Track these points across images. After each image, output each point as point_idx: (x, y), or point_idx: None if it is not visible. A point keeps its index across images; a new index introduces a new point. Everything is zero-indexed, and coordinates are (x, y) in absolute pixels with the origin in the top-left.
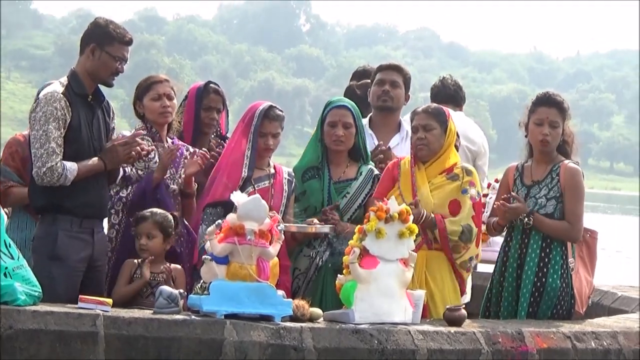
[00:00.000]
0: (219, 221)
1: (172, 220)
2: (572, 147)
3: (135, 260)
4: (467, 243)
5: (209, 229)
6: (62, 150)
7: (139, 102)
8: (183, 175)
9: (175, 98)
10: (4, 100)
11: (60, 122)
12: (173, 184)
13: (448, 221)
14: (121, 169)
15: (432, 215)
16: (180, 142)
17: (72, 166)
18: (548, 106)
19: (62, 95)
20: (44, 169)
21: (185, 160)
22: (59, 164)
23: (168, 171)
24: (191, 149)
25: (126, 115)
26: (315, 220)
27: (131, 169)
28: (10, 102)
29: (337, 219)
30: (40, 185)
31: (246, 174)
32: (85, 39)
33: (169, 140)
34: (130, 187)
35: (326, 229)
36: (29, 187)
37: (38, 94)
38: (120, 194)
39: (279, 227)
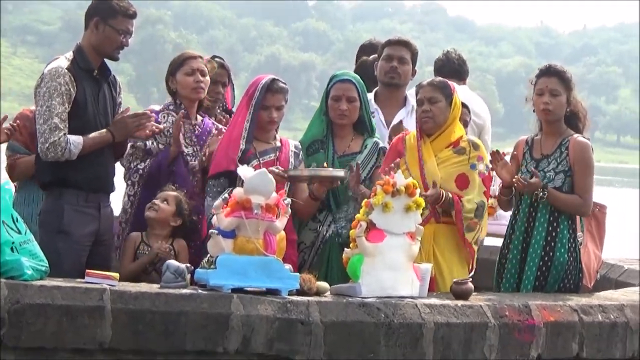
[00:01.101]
0: (225, 195)
1: (189, 207)
2: (585, 122)
3: (139, 234)
4: (480, 219)
5: (216, 202)
6: (67, 125)
7: (172, 78)
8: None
9: (207, 75)
10: (10, 75)
11: (65, 97)
12: (194, 161)
13: (465, 200)
14: (142, 142)
15: (450, 195)
16: (211, 121)
17: (76, 140)
18: (548, 76)
19: (66, 71)
20: (47, 145)
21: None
22: (62, 139)
23: (191, 148)
24: (221, 127)
25: (132, 90)
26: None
27: (152, 143)
28: (17, 78)
29: (359, 174)
30: (46, 160)
31: (243, 147)
32: (89, 13)
33: (199, 118)
34: (148, 160)
35: (340, 172)
36: (35, 163)
37: (44, 69)
38: (138, 166)
39: (286, 201)
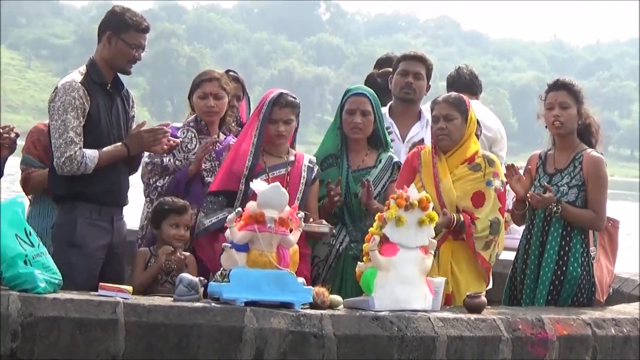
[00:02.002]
0: (239, 209)
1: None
2: (598, 137)
3: (148, 249)
4: (495, 236)
5: (229, 216)
6: (82, 139)
7: (192, 96)
8: None
9: (225, 97)
10: (24, 89)
11: (79, 111)
12: (210, 177)
13: (478, 222)
14: (159, 158)
15: (462, 219)
16: (232, 138)
17: (92, 154)
18: (556, 89)
19: (80, 85)
20: (63, 159)
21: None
22: (77, 153)
23: (209, 163)
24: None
25: (146, 103)
26: (324, 222)
27: (169, 160)
28: (31, 91)
29: (339, 192)
30: (61, 175)
31: (249, 163)
32: (102, 27)
33: (222, 136)
34: (167, 177)
35: (326, 228)
36: (49, 177)
37: (58, 83)
38: (157, 183)
39: (299, 215)
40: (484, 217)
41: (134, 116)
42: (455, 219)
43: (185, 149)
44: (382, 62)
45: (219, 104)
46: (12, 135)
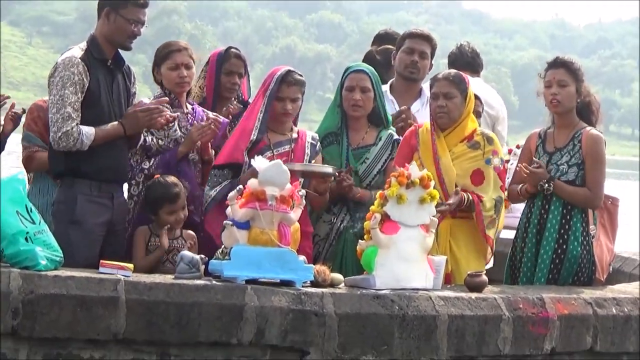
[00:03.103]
0: (240, 186)
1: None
2: (598, 115)
3: (147, 228)
4: (498, 215)
5: (230, 194)
6: (80, 115)
7: (157, 69)
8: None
9: (194, 67)
10: (25, 66)
11: (78, 86)
12: (193, 152)
13: (486, 200)
14: (142, 137)
15: (471, 198)
16: (200, 108)
17: (89, 131)
18: (555, 67)
19: (79, 60)
20: (60, 134)
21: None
22: (74, 129)
23: (181, 133)
24: (211, 115)
25: (147, 81)
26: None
27: (152, 139)
28: (32, 68)
29: (351, 181)
30: (57, 150)
31: (255, 137)
32: (101, 4)
33: (189, 107)
34: (153, 159)
35: (329, 169)
36: (49, 153)
37: (58, 59)
38: (142, 165)
39: (300, 193)
40: (489, 197)
41: (135, 92)
42: (466, 199)
43: (166, 126)
44: (381, 38)
45: (189, 73)
46: (19, 111)
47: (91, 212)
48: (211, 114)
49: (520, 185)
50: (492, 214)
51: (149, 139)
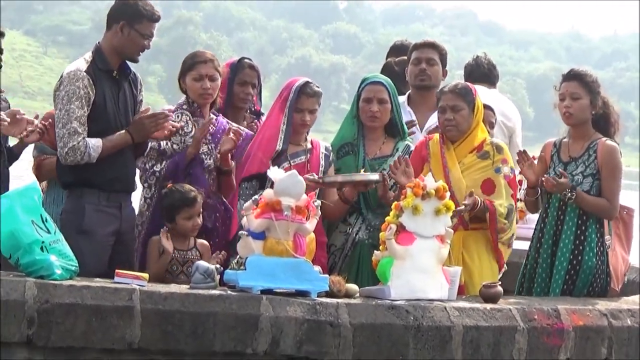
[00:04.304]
0: (256, 197)
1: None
2: (616, 127)
3: (159, 237)
4: (511, 223)
5: (246, 204)
6: (86, 129)
7: (183, 79)
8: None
9: (219, 79)
10: (41, 75)
11: (84, 100)
12: (209, 159)
13: (497, 204)
14: (156, 142)
15: (485, 202)
16: (224, 120)
17: (96, 143)
18: (568, 80)
19: (85, 74)
20: (66, 149)
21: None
22: (81, 143)
23: (206, 146)
24: (234, 126)
25: (163, 91)
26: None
27: (166, 144)
28: (48, 78)
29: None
30: (65, 164)
31: (280, 147)
32: (115, 16)
33: (213, 117)
34: (164, 162)
35: (375, 175)
36: (56, 164)
37: (63, 72)
38: (155, 168)
39: (316, 203)
40: (501, 203)
41: (142, 100)
42: (479, 202)
43: (182, 132)
44: (397, 49)
45: (213, 85)
46: (46, 123)
47: (99, 221)
48: (234, 126)
49: (525, 188)
50: (505, 221)
51: (163, 143)
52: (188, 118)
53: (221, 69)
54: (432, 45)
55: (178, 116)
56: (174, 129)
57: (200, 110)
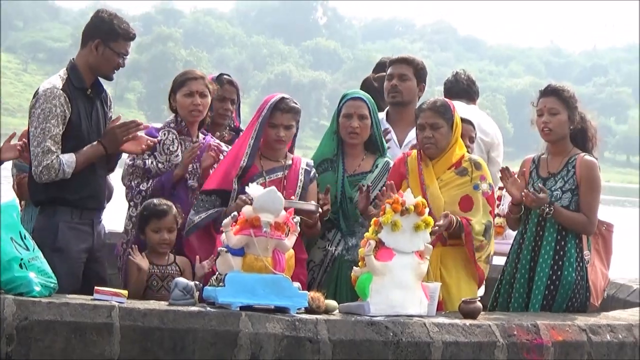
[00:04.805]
0: (234, 213)
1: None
2: (594, 141)
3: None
4: (489, 239)
5: (225, 220)
6: (60, 147)
7: (173, 96)
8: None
9: (209, 96)
10: (20, 92)
11: (60, 118)
12: (193, 180)
13: (474, 222)
14: (141, 161)
15: (461, 222)
16: (212, 138)
17: (69, 159)
18: (546, 96)
19: (61, 92)
20: (40, 168)
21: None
22: (54, 161)
23: (191, 165)
24: (213, 143)
25: (143, 107)
26: (313, 202)
27: (152, 162)
28: (28, 94)
29: (327, 201)
30: (40, 182)
31: (244, 164)
32: (90, 33)
33: (201, 136)
34: (150, 181)
35: (311, 206)
36: (28, 182)
37: (38, 88)
38: (141, 187)
39: (295, 220)
40: (478, 220)
41: (111, 117)
42: (455, 222)
43: (167, 150)
44: (381, 66)
45: (204, 102)
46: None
47: (73, 239)
48: (216, 142)
49: (508, 204)
50: (482, 238)
51: (148, 161)
52: (174, 136)
53: (212, 87)
54: (405, 61)
55: (164, 134)
56: (152, 144)
57: (188, 129)
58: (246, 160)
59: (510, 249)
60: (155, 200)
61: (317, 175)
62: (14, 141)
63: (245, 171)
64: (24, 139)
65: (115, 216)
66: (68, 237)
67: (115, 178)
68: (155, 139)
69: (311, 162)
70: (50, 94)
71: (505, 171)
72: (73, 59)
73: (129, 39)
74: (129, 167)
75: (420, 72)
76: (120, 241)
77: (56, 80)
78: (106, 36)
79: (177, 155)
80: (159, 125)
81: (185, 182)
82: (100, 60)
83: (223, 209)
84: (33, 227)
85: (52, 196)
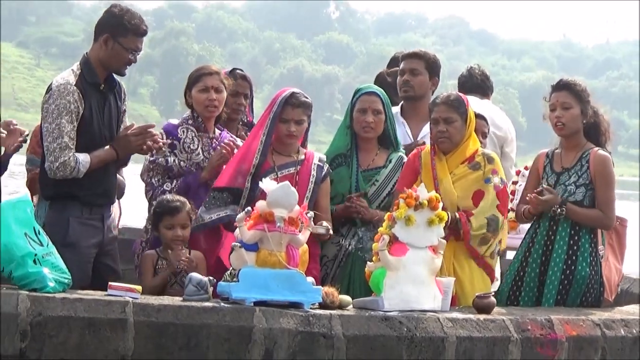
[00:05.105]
0: (248, 208)
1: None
2: (607, 135)
3: (155, 251)
4: (495, 233)
5: (239, 215)
6: (75, 143)
7: (189, 92)
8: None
9: (224, 91)
10: (33, 87)
11: (74, 115)
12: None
13: (473, 218)
14: (163, 159)
15: (458, 217)
16: (229, 134)
17: (84, 158)
18: (558, 90)
19: (75, 88)
20: (57, 164)
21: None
22: (71, 158)
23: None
24: (239, 142)
25: (155, 102)
26: (324, 223)
27: (173, 160)
28: (41, 89)
29: (365, 205)
30: (54, 178)
31: (257, 161)
32: (100, 28)
33: (217, 132)
34: (175, 181)
35: (322, 230)
36: (39, 177)
37: (51, 83)
38: (165, 186)
39: (309, 215)
40: (479, 214)
41: (125, 110)
42: (451, 217)
43: (188, 149)
44: (393, 62)
45: (219, 97)
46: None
47: (83, 233)
48: (231, 138)
49: (524, 207)
50: (483, 232)
51: (170, 159)
52: (194, 134)
53: (227, 82)
54: (417, 55)
55: (183, 132)
56: (165, 144)
57: (205, 125)
58: (258, 157)
59: (522, 242)
60: (169, 197)
61: (330, 171)
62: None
63: (257, 168)
64: (37, 134)
65: (130, 211)
66: (79, 233)
67: (126, 171)
68: (167, 141)
69: (324, 158)
70: (64, 90)
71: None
72: (86, 53)
73: (140, 35)
74: (150, 164)
75: (432, 66)
76: (139, 239)
77: (69, 75)
78: (115, 31)
79: (198, 154)
80: (175, 121)
81: (206, 183)
82: (110, 55)
83: (234, 215)
84: (43, 222)
85: (62, 191)
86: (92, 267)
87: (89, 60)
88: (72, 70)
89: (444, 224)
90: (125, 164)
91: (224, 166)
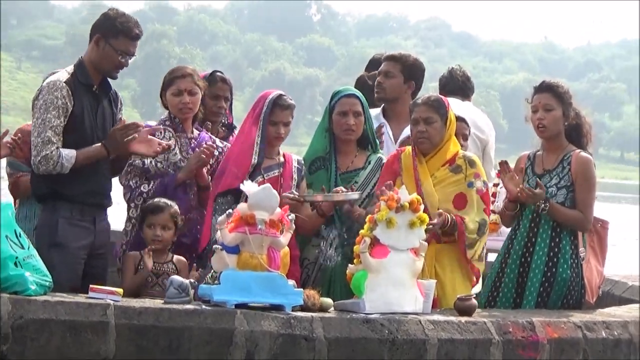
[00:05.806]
0: (230, 211)
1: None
2: (589, 137)
3: (138, 252)
4: (482, 237)
5: (220, 218)
6: (61, 139)
7: (164, 94)
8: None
9: (199, 93)
10: (14, 90)
11: (61, 110)
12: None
13: (468, 220)
14: (140, 160)
15: (454, 219)
16: (208, 135)
17: (69, 153)
18: (540, 92)
19: (64, 84)
20: (39, 158)
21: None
22: (54, 152)
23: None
24: (215, 140)
25: (137, 105)
26: (342, 188)
27: (150, 161)
28: (22, 92)
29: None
30: (38, 173)
31: (256, 161)
32: (93, 29)
33: (195, 132)
34: (152, 182)
35: (355, 195)
36: (31, 176)
37: (43, 82)
38: (142, 188)
39: (290, 217)
40: (472, 219)
41: (121, 118)
42: (449, 220)
43: (166, 150)
44: (375, 63)
45: (193, 100)
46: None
47: (72, 234)
48: (218, 142)
49: (503, 200)
50: (474, 236)
51: (147, 161)
52: (171, 135)
53: (201, 83)
54: (394, 58)
55: (161, 133)
56: (166, 146)
57: (183, 125)
58: (256, 158)
59: (502, 245)
60: (157, 199)
61: (307, 173)
62: (6, 138)
63: (255, 168)
64: (19, 135)
65: (113, 215)
66: (67, 233)
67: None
68: (170, 142)
69: (301, 160)
70: (52, 86)
71: (503, 165)
72: (82, 56)
73: (131, 38)
74: (127, 166)
75: (408, 69)
76: (119, 242)
77: (62, 74)
78: (107, 32)
79: (176, 154)
80: (153, 123)
81: (184, 184)
82: (101, 56)
83: None
84: (36, 224)
85: (52, 191)
86: (82, 269)
87: (83, 63)
88: (66, 70)
89: (425, 226)
90: (120, 170)
91: (207, 167)
